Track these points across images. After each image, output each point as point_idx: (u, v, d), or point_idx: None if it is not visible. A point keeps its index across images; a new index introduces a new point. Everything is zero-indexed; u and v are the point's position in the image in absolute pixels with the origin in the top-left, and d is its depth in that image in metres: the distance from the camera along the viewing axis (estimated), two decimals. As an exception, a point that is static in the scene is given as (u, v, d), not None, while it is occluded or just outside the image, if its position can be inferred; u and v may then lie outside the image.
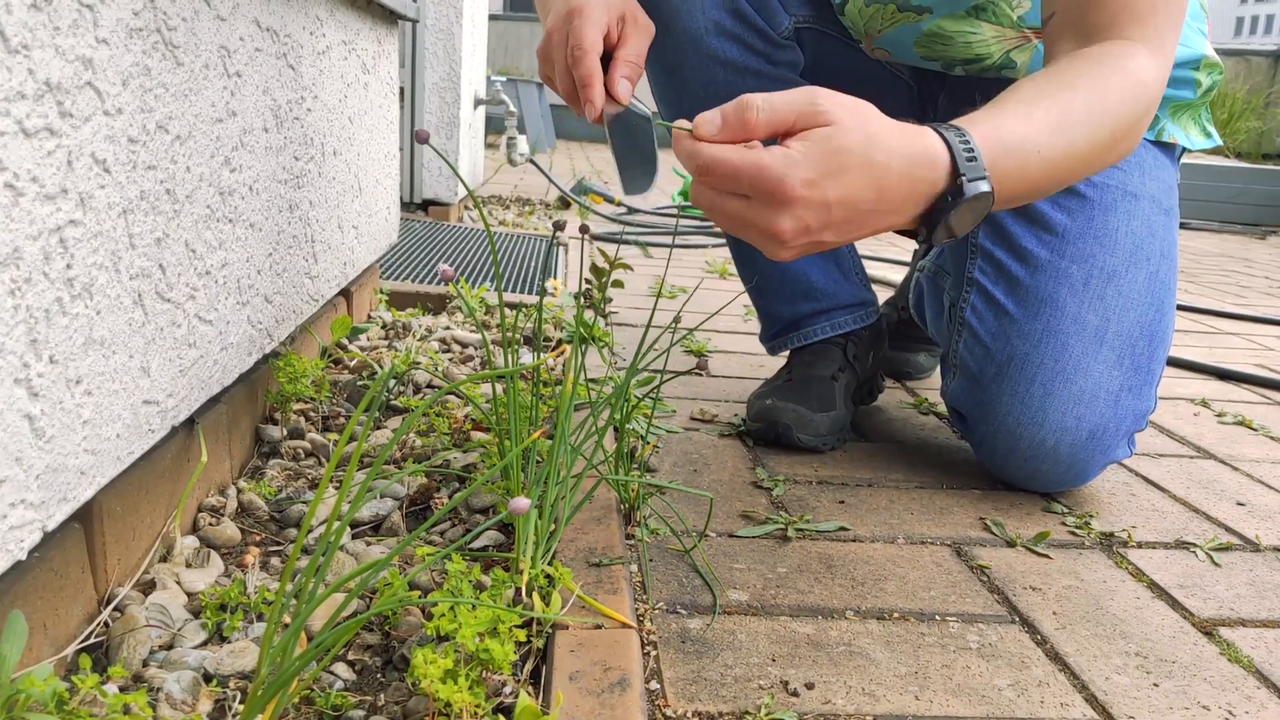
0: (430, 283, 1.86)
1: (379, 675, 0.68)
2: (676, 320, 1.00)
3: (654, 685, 0.70)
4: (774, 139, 0.70)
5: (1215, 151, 6.55)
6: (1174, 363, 1.81)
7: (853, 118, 0.70)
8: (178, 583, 0.75)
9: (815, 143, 0.68)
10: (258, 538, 0.86)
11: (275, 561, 0.82)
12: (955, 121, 0.76)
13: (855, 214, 0.71)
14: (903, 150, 0.71)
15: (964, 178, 0.73)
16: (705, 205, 0.72)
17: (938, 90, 1.27)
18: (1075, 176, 0.84)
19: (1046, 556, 0.96)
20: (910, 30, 1.12)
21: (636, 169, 0.83)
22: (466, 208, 3.29)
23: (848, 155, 0.69)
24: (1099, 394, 1.04)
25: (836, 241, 0.73)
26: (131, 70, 0.65)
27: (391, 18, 1.51)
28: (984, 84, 1.19)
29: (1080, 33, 0.86)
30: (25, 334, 0.54)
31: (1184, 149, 1.20)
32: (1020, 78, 1.12)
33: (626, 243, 2.80)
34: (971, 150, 0.74)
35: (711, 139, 0.70)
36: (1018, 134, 0.77)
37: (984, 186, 0.74)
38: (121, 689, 0.62)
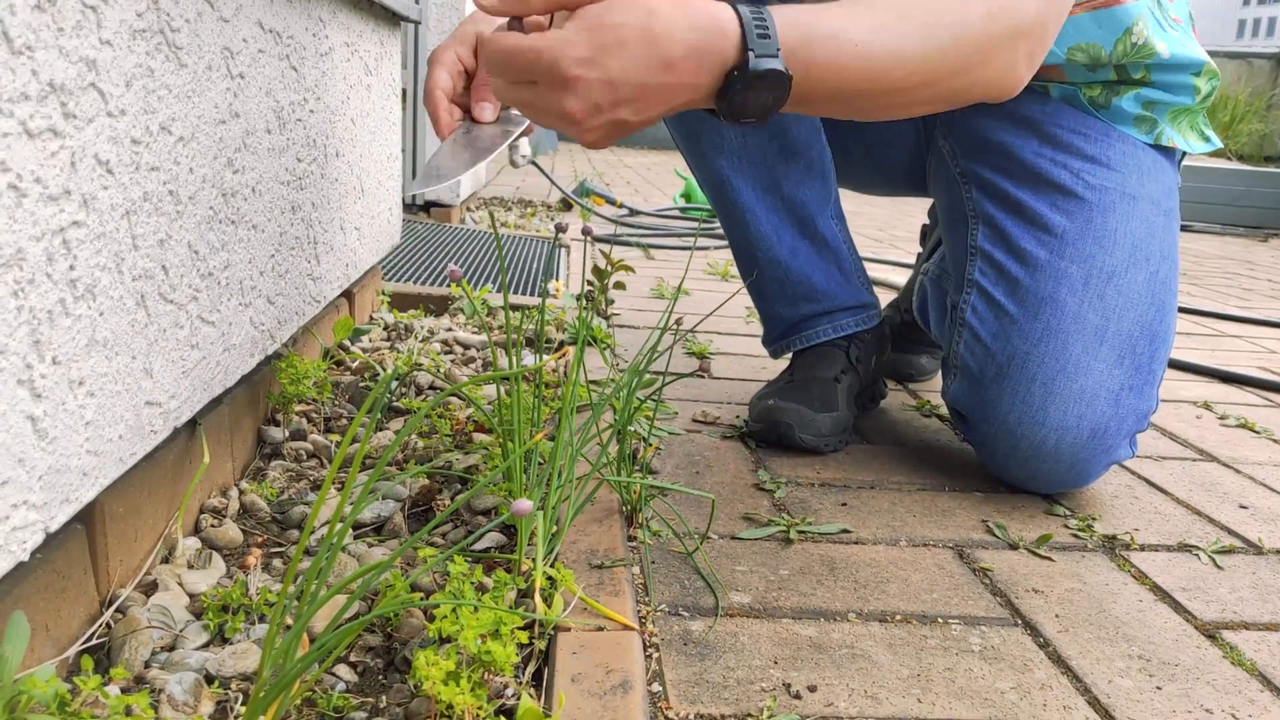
0: (433, 284, 1.86)
1: (381, 677, 0.68)
2: (678, 323, 1.00)
3: (656, 687, 0.70)
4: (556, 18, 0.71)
5: (1217, 154, 6.55)
6: (1176, 365, 1.81)
7: None
8: (180, 584, 0.75)
9: (587, 20, 0.68)
10: (259, 539, 0.86)
11: (277, 563, 0.82)
12: (770, 4, 0.75)
13: (644, 89, 0.70)
14: (686, 21, 0.70)
15: (752, 52, 0.71)
16: (504, 97, 0.74)
17: None
18: (911, 88, 0.81)
19: (1049, 559, 0.96)
20: None
21: (447, 167, 0.84)
22: (469, 209, 3.30)
23: (624, 29, 0.68)
24: (1100, 393, 1.04)
25: (638, 120, 0.72)
26: (135, 71, 0.65)
27: (394, 19, 1.51)
28: None
29: None
30: (28, 335, 0.54)
31: (1184, 154, 1.20)
32: None
33: (628, 244, 2.80)
34: (765, 27, 0.72)
35: (492, 9, 0.70)
36: (831, 25, 0.76)
37: (775, 64, 0.72)
38: (123, 690, 0.61)
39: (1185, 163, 1.24)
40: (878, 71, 0.78)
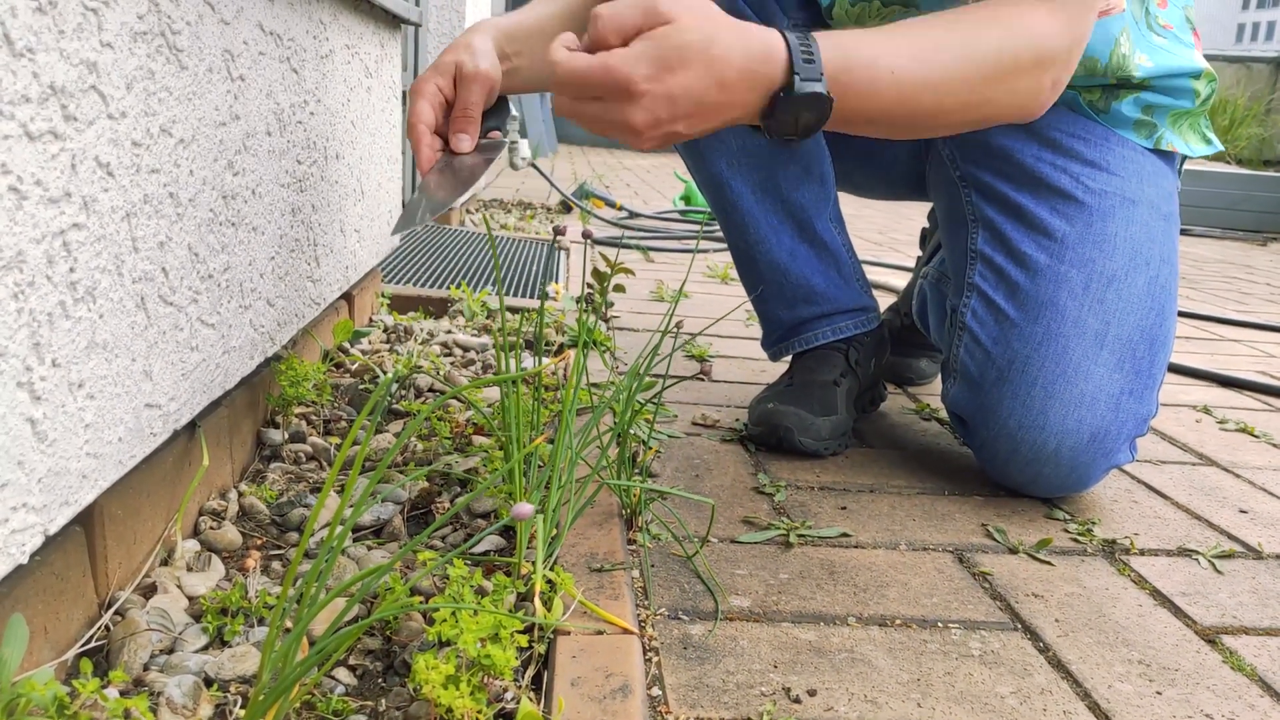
0: (432, 286, 1.86)
1: (380, 680, 0.68)
2: (678, 325, 1.00)
3: (656, 692, 0.70)
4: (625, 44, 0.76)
5: (1216, 158, 6.55)
6: (1176, 369, 1.81)
7: (692, 16, 0.75)
8: (179, 587, 0.75)
9: (656, 41, 0.74)
10: (259, 542, 0.86)
11: (276, 565, 0.82)
12: (816, 34, 0.81)
13: (701, 105, 0.77)
14: (742, 45, 0.77)
15: (798, 76, 0.78)
16: (568, 113, 0.78)
17: None
18: (944, 112, 0.87)
19: (1049, 563, 0.96)
20: None
21: (437, 199, 0.89)
22: (468, 211, 3.30)
23: (688, 50, 0.74)
24: (1100, 396, 1.04)
25: (689, 132, 0.79)
26: (135, 74, 0.65)
27: (394, 22, 1.51)
28: None
29: None
30: (28, 337, 0.54)
31: (1185, 157, 1.20)
32: None
33: (628, 247, 2.80)
34: (810, 53, 0.79)
35: (569, 52, 0.76)
36: (871, 52, 0.83)
37: (817, 88, 0.79)
38: (122, 693, 0.61)
39: (1184, 166, 1.24)
40: (912, 98, 0.84)
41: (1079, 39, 0.91)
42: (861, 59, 0.82)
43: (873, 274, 2.48)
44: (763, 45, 0.78)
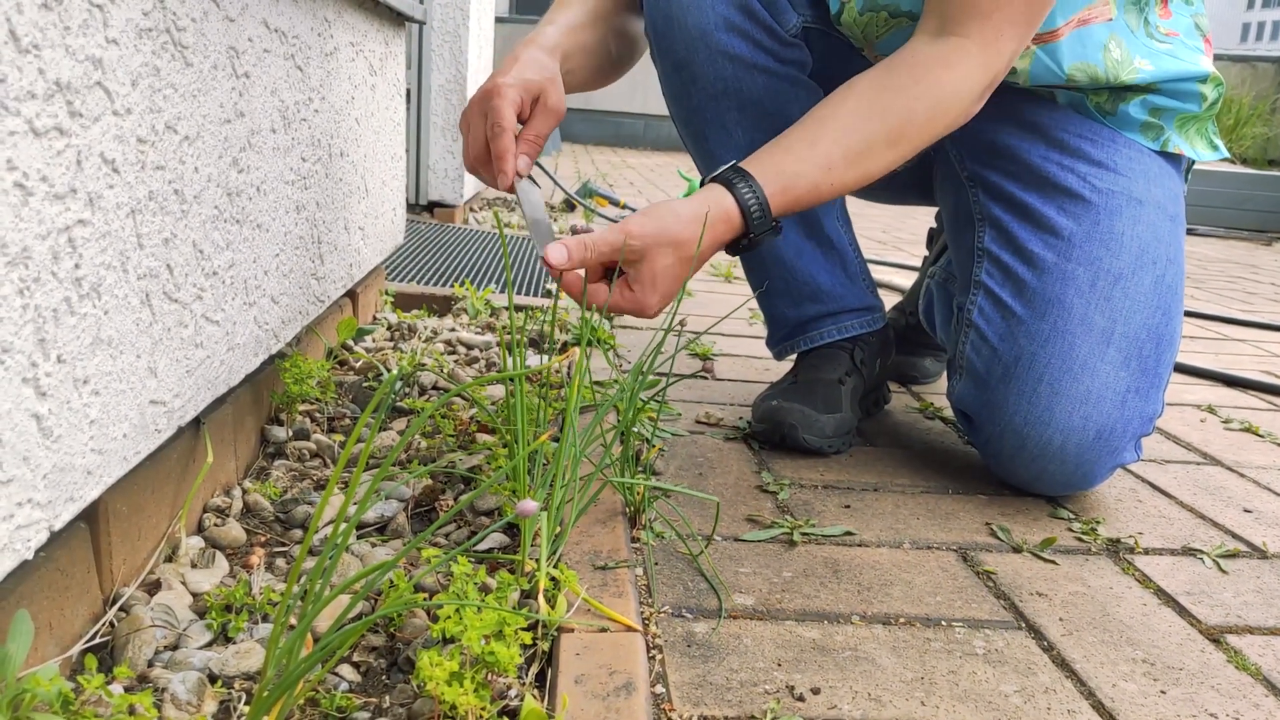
0: (436, 284, 1.86)
1: (384, 677, 0.68)
2: (681, 324, 1.00)
3: (659, 689, 0.70)
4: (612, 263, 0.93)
5: (1223, 159, 6.53)
6: (1180, 369, 1.80)
7: (657, 242, 0.91)
8: (183, 583, 0.75)
9: (640, 283, 0.93)
10: (263, 538, 0.86)
11: (280, 562, 0.82)
12: (759, 172, 0.96)
13: (683, 280, 0.95)
14: (708, 233, 0.94)
15: (753, 233, 0.96)
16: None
17: None
18: (878, 175, 1.00)
19: (1053, 562, 0.96)
20: (905, 35, 1.12)
21: (534, 228, 0.99)
22: (472, 209, 3.30)
23: (667, 270, 0.93)
24: (1106, 394, 1.04)
25: (678, 291, 0.97)
26: (141, 70, 0.65)
27: (399, 20, 1.51)
28: None
29: (939, 15, 0.99)
30: (34, 333, 0.54)
31: (1192, 162, 1.20)
32: (1020, 81, 1.12)
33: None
34: (763, 210, 0.95)
35: (563, 267, 0.92)
36: (812, 180, 0.97)
37: (769, 236, 0.97)
38: (126, 689, 0.61)
39: (1192, 169, 1.24)
40: (851, 184, 1.00)
41: (1003, 66, 1.00)
42: (802, 184, 0.97)
43: (877, 273, 2.48)
44: (723, 214, 0.94)
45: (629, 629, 0.73)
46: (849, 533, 0.99)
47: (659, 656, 0.74)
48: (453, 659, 0.60)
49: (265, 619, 0.72)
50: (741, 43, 1.15)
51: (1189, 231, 4.63)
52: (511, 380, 0.92)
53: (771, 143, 0.99)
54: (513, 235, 2.72)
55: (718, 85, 1.17)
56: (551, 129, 1.04)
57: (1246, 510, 1.14)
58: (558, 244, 0.92)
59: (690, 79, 1.18)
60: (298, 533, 0.87)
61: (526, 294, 1.92)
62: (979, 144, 1.18)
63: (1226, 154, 1.21)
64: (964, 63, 0.98)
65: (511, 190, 1.02)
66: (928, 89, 0.98)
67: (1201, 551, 1.01)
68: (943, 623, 0.83)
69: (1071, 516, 1.08)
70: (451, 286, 1.82)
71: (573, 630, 0.72)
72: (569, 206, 3.61)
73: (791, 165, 0.97)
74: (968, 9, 0.97)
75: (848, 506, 1.06)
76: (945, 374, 1.46)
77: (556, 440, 0.88)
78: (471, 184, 3.09)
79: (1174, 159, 1.17)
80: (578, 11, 1.15)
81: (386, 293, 1.71)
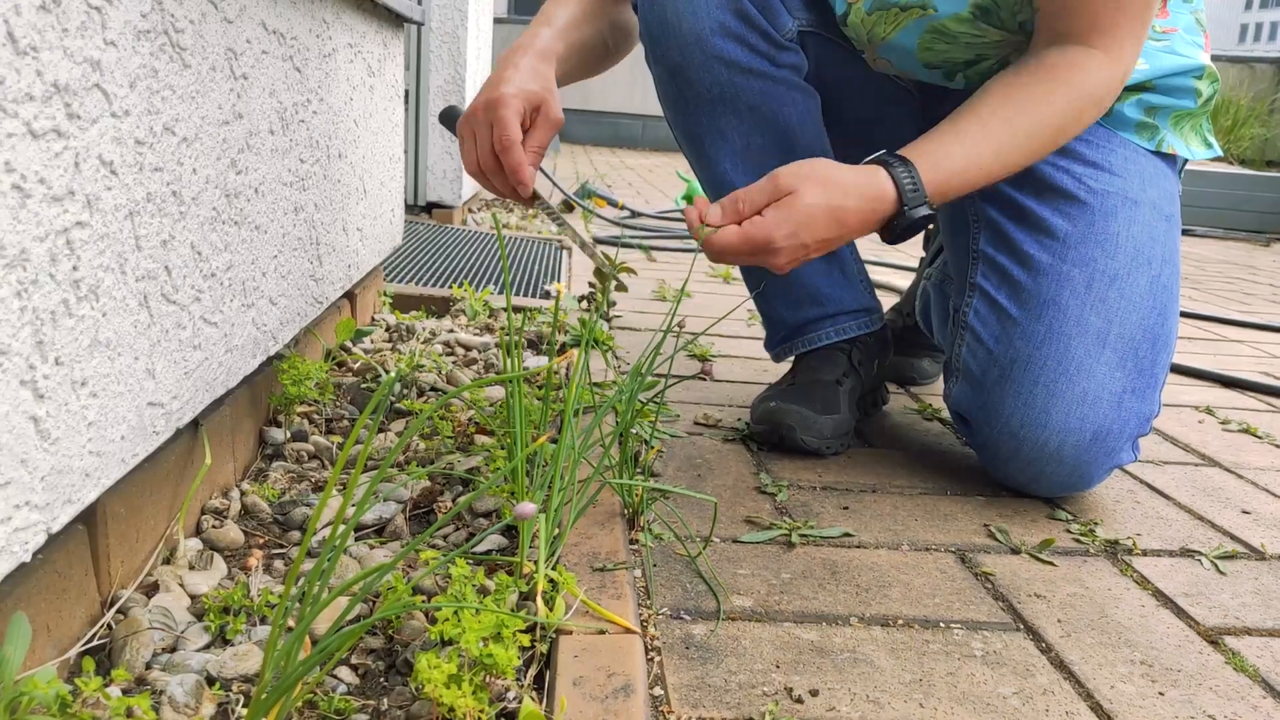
0: (434, 285, 1.86)
1: (382, 679, 0.68)
2: (680, 325, 1.00)
3: (658, 691, 0.70)
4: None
5: (1218, 159, 6.55)
6: (1178, 370, 1.81)
7: (810, 183, 0.93)
8: (181, 585, 0.75)
9: (784, 208, 0.93)
10: (261, 540, 0.86)
11: (278, 564, 0.82)
12: (911, 153, 0.98)
13: (827, 242, 0.96)
14: (858, 193, 0.95)
15: (907, 208, 0.96)
16: (725, 262, 0.98)
17: (942, 101, 1.27)
18: (1013, 172, 1.03)
19: (1051, 564, 0.96)
20: (915, 29, 1.12)
21: (569, 232, 1.05)
22: (470, 211, 3.30)
23: (814, 209, 0.93)
24: (1102, 395, 1.04)
25: (820, 253, 0.97)
26: (139, 72, 0.65)
27: (397, 21, 1.51)
28: None
29: (1051, 32, 1.02)
30: (31, 335, 0.54)
31: (1185, 161, 1.20)
32: None
33: (630, 246, 2.80)
34: (915, 186, 0.96)
35: (719, 224, 0.94)
36: (961, 161, 0.98)
37: (924, 210, 0.97)
38: (124, 692, 0.61)
39: (1186, 168, 1.24)
40: (999, 175, 1.02)
41: (1129, 67, 1.02)
42: (955, 168, 0.98)
43: (875, 274, 2.48)
44: (876, 189, 0.96)
45: (627, 631, 0.73)
46: (847, 534, 0.99)
47: (657, 658, 0.74)
48: (451, 661, 0.60)
49: (263, 621, 0.72)
50: (737, 47, 1.15)
51: (1186, 232, 4.64)
52: (510, 382, 0.92)
53: (920, 138, 1.00)
54: (511, 236, 2.72)
55: (713, 90, 1.17)
56: (551, 138, 1.05)
57: (1245, 511, 1.14)
58: (713, 206, 0.95)
59: (685, 84, 1.18)
60: (296, 534, 0.87)
61: (525, 295, 1.92)
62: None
63: (1220, 152, 1.22)
64: (1094, 65, 1.00)
65: (530, 202, 1.04)
66: (1063, 84, 1.00)
67: (1200, 553, 1.01)
68: (941, 624, 0.83)
69: (1070, 518, 1.08)
70: (450, 288, 1.82)
71: (571, 632, 0.72)
72: (567, 208, 3.61)
73: (941, 149, 0.98)
74: (1089, 26, 0.99)
75: (846, 508, 1.06)
76: (943, 375, 1.46)
77: (555, 442, 0.88)
78: (470, 185, 3.09)
79: (1169, 159, 1.17)
80: (573, 9, 1.16)
81: (385, 294, 1.70)
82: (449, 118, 1.17)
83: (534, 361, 1.44)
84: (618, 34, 1.22)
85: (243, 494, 0.91)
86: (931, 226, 1.59)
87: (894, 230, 0.98)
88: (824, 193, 0.93)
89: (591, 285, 1.20)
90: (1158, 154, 1.15)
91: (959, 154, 0.98)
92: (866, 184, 0.95)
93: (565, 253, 2.51)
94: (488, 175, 1.04)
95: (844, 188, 0.94)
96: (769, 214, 0.93)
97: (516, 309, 1.77)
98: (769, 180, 0.94)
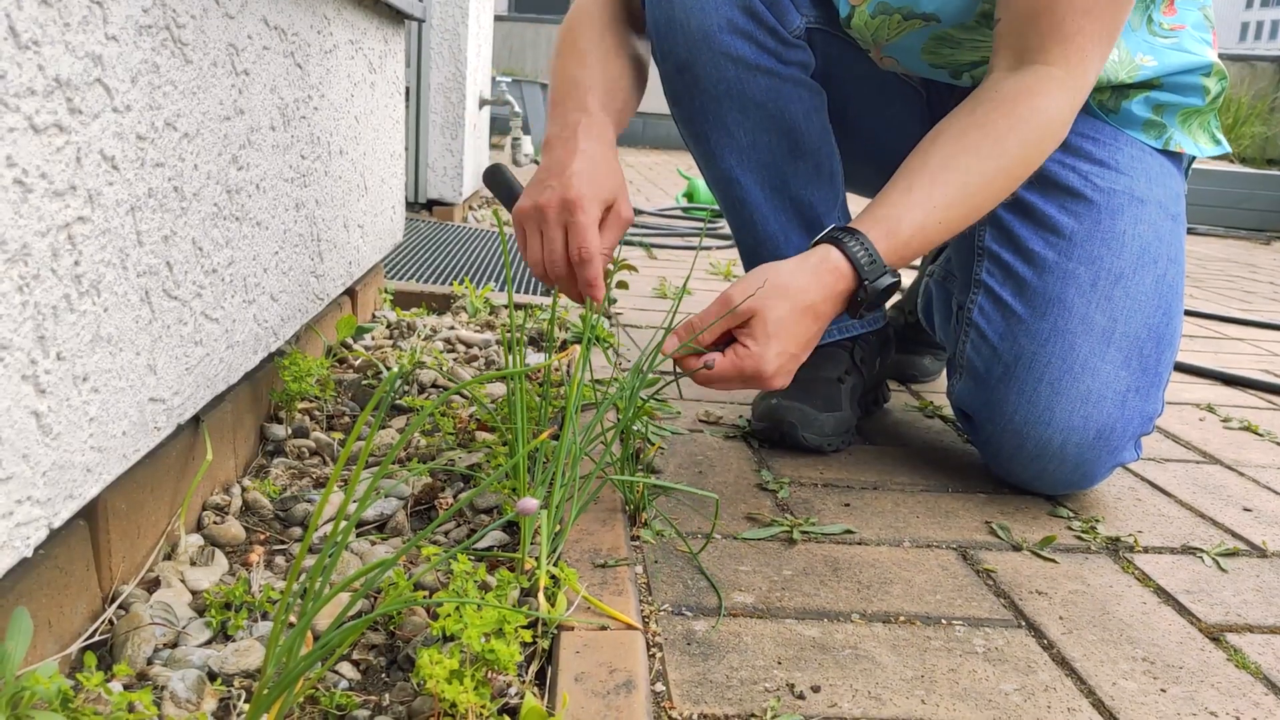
0: (435, 282, 1.86)
1: (384, 675, 0.68)
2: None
3: (659, 687, 0.70)
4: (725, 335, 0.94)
5: (1220, 157, 6.54)
6: (1179, 368, 1.80)
7: (769, 299, 0.91)
8: (182, 581, 0.75)
9: (757, 334, 0.91)
10: (262, 536, 0.86)
11: (279, 560, 0.82)
12: (862, 223, 0.95)
13: (812, 339, 0.95)
14: (817, 284, 0.93)
15: (867, 281, 0.94)
16: (718, 389, 0.95)
17: (948, 98, 1.27)
18: (979, 217, 0.99)
19: (1053, 561, 0.96)
20: (918, 37, 1.12)
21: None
22: (470, 208, 3.30)
23: (785, 321, 0.91)
24: (1106, 394, 1.04)
25: (809, 350, 0.96)
26: (140, 67, 0.65)
27: (398, 17, 1.51)
28: None
29: (1012, 49, 0.98)
30: (33, 330, 0.54)
31: (1192, 158, 1.20)
32: None
33: (631, 244, 2.79)
34: (872, 257, 0.93)
35: (674, 353, 0.93)
36: (916, 222, 0.95)
37: (885, 278, 0.94)
38: (126, 687, 0.61)
39: (1190, 166, 1.24)
40: (961, 224, 0.98)
41: (1089, 86, 0.99)
42: (908, 231, 0.94)
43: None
44: (832, 271, 0.93)
45: (629, 627, 0.73)
46: (849, 531, 0.99)
47: (659, 654, 0.74)
48: (453, 657, 0.60)
49: (265, 617, 0.72)
50: (744, 44, 1.15)
51: (1188, 230, 4.63)
52: (511, 378, 0.92)
53: (870, 203, 0.98)
54: (511, 233, 2.72)
55: (720, 87, 1.16)
56: (620, 239, 1.01)
57: (1246, 509, 1.14)
58: (670, 337, 0.93)
59: (692, 81, 1.17)
60: (297, 530, 0.87)
61: (526, 292, 1.92)
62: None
63: (1228, 148, 1.21)
64: (1051, 90, 0.96)
65: (605, 307, 1.01)
66: (1018, 121, 0.96)
67: (1201, 550, 1.01)
68: (943, 621, 0.83)
69: (1071, 515, 1.08)
70: (450, 285, 1.82)
71: (573, 628, 0.72)
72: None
73: (892, 212, 0.95)
74: (1050, 35, 0.95)
75: (847, 505, 1.06)
76: (945, 372, 1.46)
77: (556, 438, 0.88)
78: (470, 182, 3.08)
79: (1175, 157, 1.17)
80: (601, 65, 1.09)
81: (385, 291, 1.70)
82: (497, 181, 1.09)
83: (535, 358, 1.44)
84: (639, 67, 1.18)
85: (244, 490, 0.91)
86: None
87: (859, 304, 0.95)
88: (786, 302, 0.91)
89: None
90: (1164, 152, 1.15)
91: (913, 214, 0.95)
92: (820, 270, 0.93)
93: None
94: (556, 281, 0.98)
95: (801, 286, 0.92)
96: (748, 342, 0.91)
97: (518, 306, 1.77)
98: (720, 305, 0.92)
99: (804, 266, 0.93)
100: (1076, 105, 0.98)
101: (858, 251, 0.93)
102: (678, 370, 0.95)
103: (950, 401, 1.18)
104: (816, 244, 0.96)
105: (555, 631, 0.71)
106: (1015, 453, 1.08)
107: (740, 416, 1.31)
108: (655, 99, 1.52)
